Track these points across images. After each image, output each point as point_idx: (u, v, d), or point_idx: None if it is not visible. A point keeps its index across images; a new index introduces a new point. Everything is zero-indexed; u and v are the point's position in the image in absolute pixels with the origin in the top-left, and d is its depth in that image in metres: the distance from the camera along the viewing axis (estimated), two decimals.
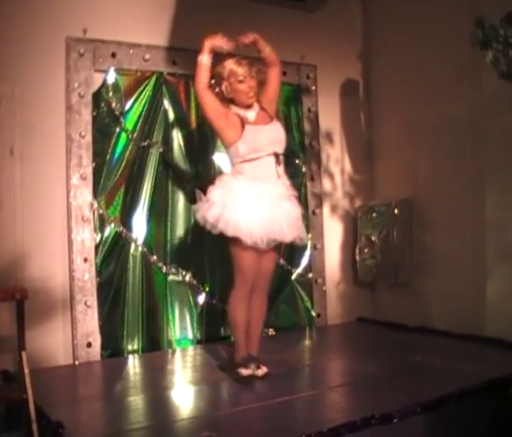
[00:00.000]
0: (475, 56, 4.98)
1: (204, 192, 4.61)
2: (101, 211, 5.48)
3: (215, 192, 4.50)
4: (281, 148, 4.57)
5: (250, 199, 4.40)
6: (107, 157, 5.54)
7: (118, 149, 5.59)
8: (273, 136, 4.56)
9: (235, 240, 4.40)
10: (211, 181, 4.66)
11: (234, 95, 4.57)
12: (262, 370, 4.52)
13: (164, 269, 5.74)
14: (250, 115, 4.57)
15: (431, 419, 3.73)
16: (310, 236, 6.40)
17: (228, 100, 4.60)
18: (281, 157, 4.57)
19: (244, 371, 4.45)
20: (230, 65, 4.58)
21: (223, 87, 4.59)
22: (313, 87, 6.61)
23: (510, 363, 4.66)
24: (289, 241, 4.55)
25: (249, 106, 4.59)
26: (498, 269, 5.36)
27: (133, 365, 5.40)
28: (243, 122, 4.48)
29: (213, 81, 4.65)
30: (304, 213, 6.29)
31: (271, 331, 6.14)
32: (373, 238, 6.56)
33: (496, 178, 5.39)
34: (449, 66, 5.78)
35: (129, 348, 5.56)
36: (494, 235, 5.41)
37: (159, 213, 5.78)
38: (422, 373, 4.60)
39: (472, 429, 3.90)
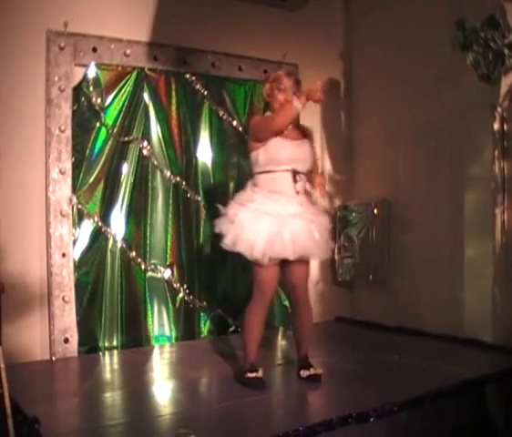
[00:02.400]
0: (455, 58, 5.01)
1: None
2: (80, 206, 5.46)
3: (230, 206, 4.53)
4: (302, 167, 4.49)
5: (258, 215, 4.39)
6: (87, 152, 5.51)
7: (98, 144, 5.57)
8: (297, 153, 4.47)
9: None
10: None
11: (271, 100, 4.57)
12: (309, 372, 4.53)
13: (143, 266, 5.72)
14: None
15: (408, 418, 3.75)
16: None
17: (266, 103, 4.73)
18: (301, 176, 4.48)
19: (250, 374, 4.35)
20: (278, 72, 4.65)
21: (265, 88, 4.62)
22: None
23: (486, 364, 4.72)
24: (293, 259, 4.40)
25: None
26: (476, 270, 5.40)
27: (110, 361, 5.38)
28: None
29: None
30: None
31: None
32: (351, 238, 6.58)
33: (475, 179, 5.42)
34: (430, 68, 5.82)
35: (107, 344, 5.54)
36: (471, 236, 5.44)
37: (139, 209, 5.76)
38: (399, 373, 4.63)
39: (448, 428, 3.93)
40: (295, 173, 4.44)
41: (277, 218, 4.36)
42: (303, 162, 4.50)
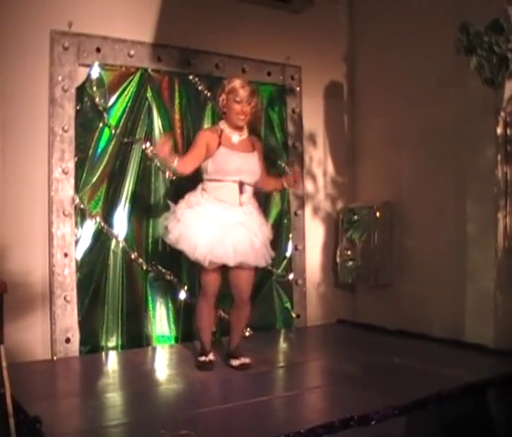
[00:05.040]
0: (459, 62, 5.01)
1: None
2: (82, 206, 5.46)
3: (179, 206, 4.80)
4: (249, 179, 4.77)
5: (204, 219, 4.68)
6: (90, 151, 5.51)
7: (101, 145, 5.56)
8: (244, 165, 4.74)
9: None
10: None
11: (227, 110, 4.77)
12: (240, 361, 4.86)
13: (144, 267, 5.72)
14: (235, 137, 4.80)
15: (409, 421, 3.75)
16: (291, 236, 6.45)
17: (221, 113, 4.86)
18: (247, 187, 4.76)
19: (201, 358, 4.90)
20: (233, 82, 4.77)
21: (220, 99, 4.79)
22: (298, 88, 6.61)
23: (488, 368, 4.71)
24: (232, 265, 4.70)
25: (238, 128, 4.80)
26: (478, 274, 5.39)
27: (112, 362, 5.38)
28: (220, 142, 4.72)
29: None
30: (286, 214, 6.39)
31: (249, 331, 6.13)
32: (354, 241, 6.58)
33: (478, 184, 5.41)
34: (433, 71, 5.81)
35: (108, 344, 5.54)
36: (474, 239, 5.43)
37: (141, 210, 5.76)
38: (400, 376, 4.62)
39: (449, 431, 3.92)
40: (242, 184, 4.72)
41: (221, 225, 4.67)
42: (250, 174, 4.79)
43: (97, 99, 5.52)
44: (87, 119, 5.51)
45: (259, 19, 6.26)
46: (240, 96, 4.69)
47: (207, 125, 6.03)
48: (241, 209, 4.74)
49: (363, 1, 6.85)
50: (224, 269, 4.80)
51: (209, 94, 6.05)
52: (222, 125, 4.82)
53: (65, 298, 5.30)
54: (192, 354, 5.31)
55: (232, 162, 4.69)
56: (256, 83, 6.21)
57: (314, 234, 6.75)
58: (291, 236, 6.49)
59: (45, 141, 5.33)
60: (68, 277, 5.34)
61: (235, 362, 4.85)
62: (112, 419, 3.78)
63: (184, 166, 4.71)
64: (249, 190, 4.79)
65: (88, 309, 5.46)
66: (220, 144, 4.72)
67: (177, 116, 5.94)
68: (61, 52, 5.33)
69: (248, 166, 4.76)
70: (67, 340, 5.29)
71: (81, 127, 5.46)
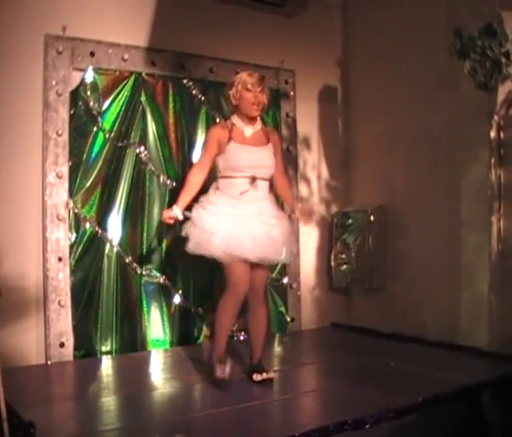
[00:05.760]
0: (453, 66, 5.03)
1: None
2: (77, 211, 5.45)
3: (194, 209, 4.59)
4: (262, 173, 4.56)
5: (218, 216, 4.47)
6: (84, 156, 5.50)
7: (95, 149, 5.56)
8: (257, 159, 4.55)
9: None
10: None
11: (240, 102, 4.57)
12: (262, 376, 4.54)
13: (138, 271, 5.72)
14: (248, 130, 4.60)
15: (403, 425, 3.75)
16: None
17: (233, 107, 4.66)
18: (259, 182, 4.54)
19: (218, 370, 4.35)
20: (240, 74, 4.62)
21: (231, 93, 4.59)
22: (292, 93, 6.62)
23: (482, 370, 4.72)
24: (252, 260, 4.46)
25: (251, 120, 4.61)
26: (472, 277, 5.40)
27: (106, 366, 5.37)
28: (230, 137, 4.53)
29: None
30: None
31: (243, 335, 6.12)
32: (348, 244, 6.58)
33: (472, 187, 5.42)
34: (427, 75, 5.83)
35: (103, 349, 5.53)
36: (468, 242, 5.44)
37: (135, 214, 5.76)
38: (395, 379, 4.62)
39: (444, 434, 3.93)
40: (254, 179, 4.50)
41: (236, 220, 4.45)
42: (264, 168, 4.58)
43: (91, 103, 5.51)
44: (81, 123, 5.50)
45: (253, 23, 6.26)
46: (250, 82, 4.50)
47: (201, 129, 6.06)
48: (256, 204, 4.53)
49: (357, 5, 6.86)
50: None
51: (203, 98, 6.05)
52: (234, 119, 4.62)
53: (59, 302, 5.29)
54: (187, 358, 5.31)
55: (243, 157, 4.49)
56: None
57: (309, 238, 6.74)
58: None
59: (39, 145, 5.32)
60: (62, 281, 5.34)
61: (257, 377, 4.53)
62: (106, 423, 3.77)
63: (201, 169, 4.60)
64: (264, 185, 4.61)
65: (83, 314, 5.45)
66: (230, 139, 4.53)
67: (171, 121, 5.94)
68: (55, 56, 5.33)
69: (261, 160, 4.56)
70: (62, 345, 5.28)
71: (75, 132, 5.46)
